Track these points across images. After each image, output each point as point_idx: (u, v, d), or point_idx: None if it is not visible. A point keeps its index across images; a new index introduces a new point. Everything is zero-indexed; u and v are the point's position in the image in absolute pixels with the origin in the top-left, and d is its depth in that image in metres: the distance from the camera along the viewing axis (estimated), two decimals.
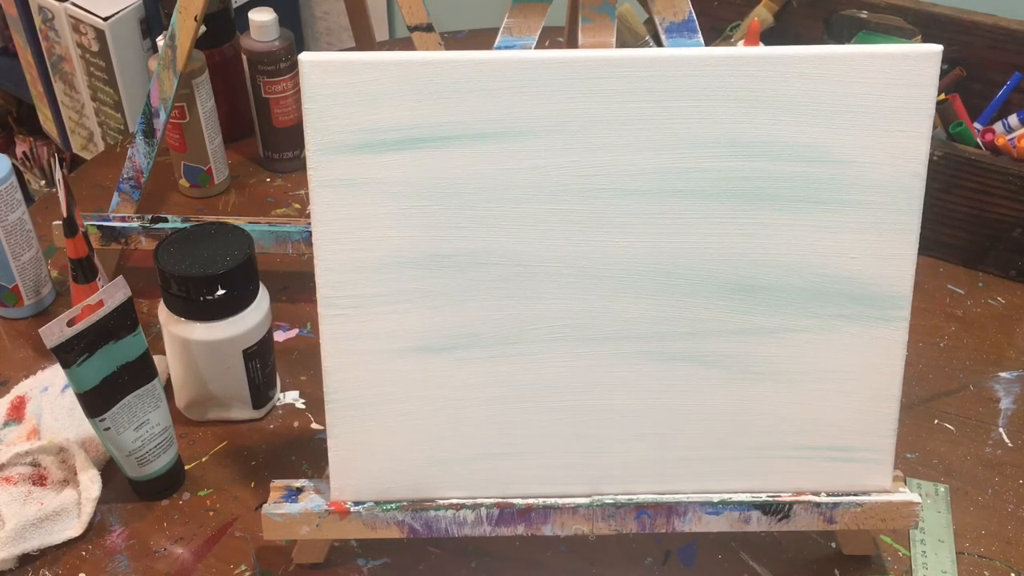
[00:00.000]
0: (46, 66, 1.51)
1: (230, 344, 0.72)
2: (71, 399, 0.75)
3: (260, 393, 0.76)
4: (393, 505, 0.62)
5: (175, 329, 0.71)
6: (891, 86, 0.56)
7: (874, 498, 0.62)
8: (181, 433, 0.76)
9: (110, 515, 0.71)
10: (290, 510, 0.62)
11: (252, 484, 0.73)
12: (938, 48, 0.55)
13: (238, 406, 0.76)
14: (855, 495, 0.62)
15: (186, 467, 0.74)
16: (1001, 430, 0.78)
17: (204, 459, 0.75)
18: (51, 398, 0.76)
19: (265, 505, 0.62)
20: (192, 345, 0.71)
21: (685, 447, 0.62)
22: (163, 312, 0.72)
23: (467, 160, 0.57)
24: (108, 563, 0.68)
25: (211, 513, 0.71)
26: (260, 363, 0.74)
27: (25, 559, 0.68)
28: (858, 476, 0.62)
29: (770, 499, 0.62)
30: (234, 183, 1.02)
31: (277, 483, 0.64)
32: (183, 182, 0.99)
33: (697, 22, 0.59)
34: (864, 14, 0.98)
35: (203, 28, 0.94)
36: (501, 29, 0.62)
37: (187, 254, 0.70)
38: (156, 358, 0.69)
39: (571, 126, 0.56)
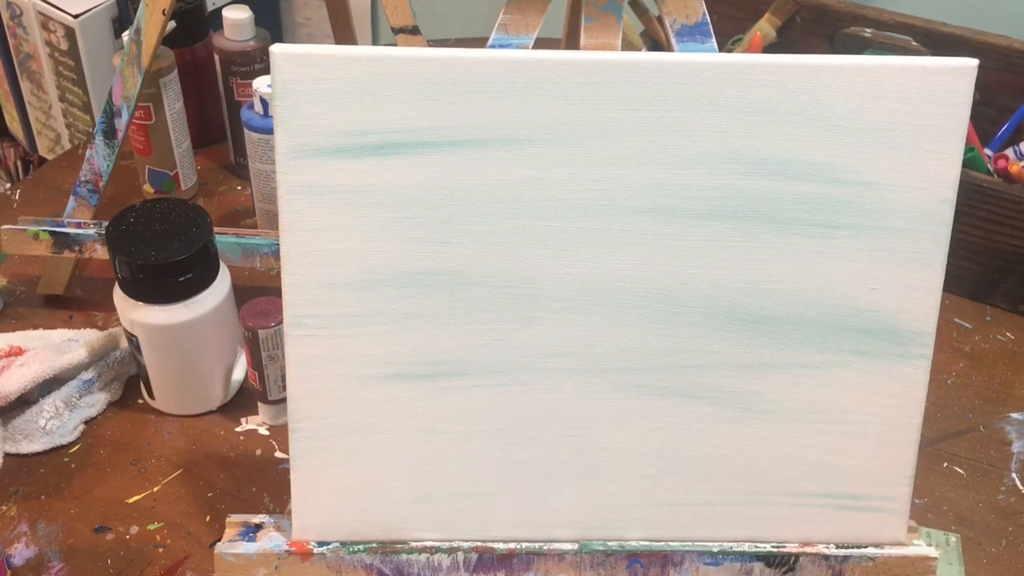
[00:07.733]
0: (13, 64, 1.46)
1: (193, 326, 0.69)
2: None
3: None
4: (361, 547, 0.57)
5: (135, 316, 0.68)
6: (921, 102, 0.51)
7: (887, 551, 0.57)
8: (131, 460, 0.70)
9: (48, 549, 0.64)
10: (246, 550, 0.56)
11: (208, 518, 0.67)
12: (974, 62, 0.51)
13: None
14: (867, 547, 0.57)
15: (135, 498, 0.68)
16: (1014, 475, 0.73)
17: (155, 489, 0.69)
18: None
19: (219, 543, 0.56)
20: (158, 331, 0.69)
21: (684, 490, 0.57)
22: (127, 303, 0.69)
23: (454, 169, 0.52)
24: None
25: (160, 550, 0.65)
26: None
27: None
28: (870, 527, 0.57)
29: (774, 550, 0.57)
30: (202, 190, 0.96)
31: (234, 518, 0.58)
32: (147, 187, 0.93)
33: (711, 26, 0.54)
34: (869, 32, 0.94)
35: (172, 24, 0.88)
36: (496, 26, 0.57)
37: (139, 236, 0.68)
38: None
39: (569, 135, 0.51)
